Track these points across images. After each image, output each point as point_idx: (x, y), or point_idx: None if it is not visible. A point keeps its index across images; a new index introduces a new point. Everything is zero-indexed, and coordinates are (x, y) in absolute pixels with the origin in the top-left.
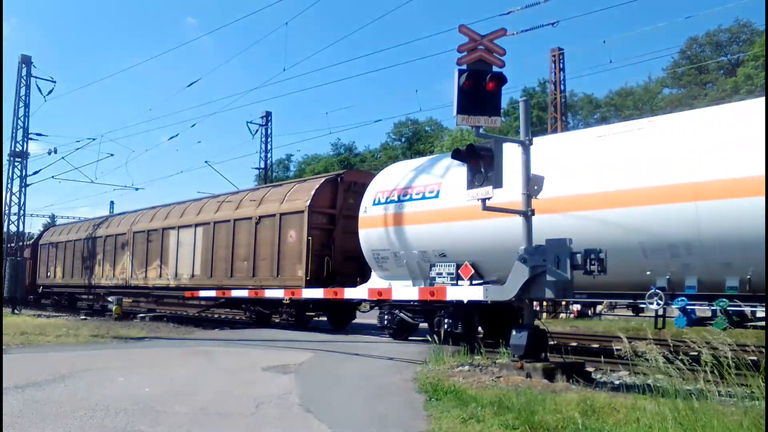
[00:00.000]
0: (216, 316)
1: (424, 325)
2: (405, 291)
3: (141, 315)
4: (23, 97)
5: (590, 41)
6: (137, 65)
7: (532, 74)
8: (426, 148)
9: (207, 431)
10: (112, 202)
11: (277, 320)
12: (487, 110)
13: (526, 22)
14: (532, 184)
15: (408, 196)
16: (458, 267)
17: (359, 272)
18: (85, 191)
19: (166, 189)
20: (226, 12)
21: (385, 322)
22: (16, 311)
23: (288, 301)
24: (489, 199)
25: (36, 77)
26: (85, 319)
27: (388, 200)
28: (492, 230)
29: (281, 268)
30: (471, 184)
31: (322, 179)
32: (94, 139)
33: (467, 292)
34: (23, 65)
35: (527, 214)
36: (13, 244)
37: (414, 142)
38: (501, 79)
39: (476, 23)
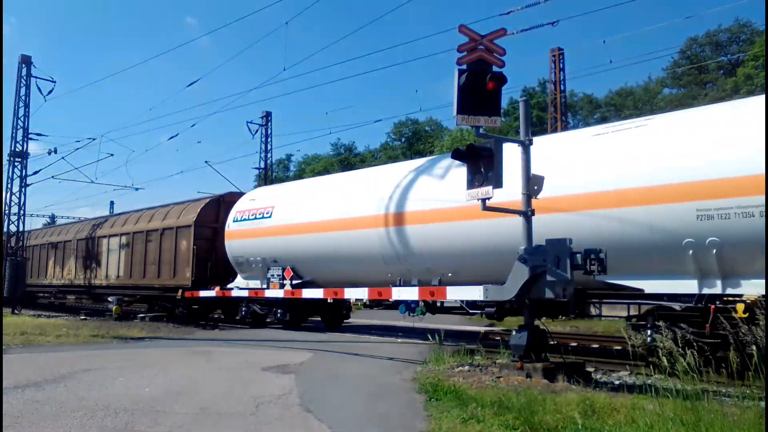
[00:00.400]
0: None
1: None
2: (407, 291)
3: (141, 315)
4: (23, 97)
5: (590, 41)
6: (137, 65)
7: (532, 74)
8: (426, 148)
9: (207, 431)
10: (112, 202)
11: (176, 312)
12: (487, 110)
13: (526, 22)
14: (532, 184)
15: (254, 216)
16: (283, 270)
17: (235, 274)
18: (85, 191)
19: (166, 189)
20: (226, 12)
21: (243, 313)
22: (16, 311)
23: (180, 298)
24: (489, 198)
25: (36, 77)
26: (85, 319)
27: (243, 218)
28: (302, 242)
29: (177, 271)
30: (471, 184)
31: (208, 200)
32: (94, 139)
33: (467, 292)
34: (23, 65)
35: (527, 214)
36: (13, 244)
37: (414, 142)
38: (501, 79)
39: (476, 23)
